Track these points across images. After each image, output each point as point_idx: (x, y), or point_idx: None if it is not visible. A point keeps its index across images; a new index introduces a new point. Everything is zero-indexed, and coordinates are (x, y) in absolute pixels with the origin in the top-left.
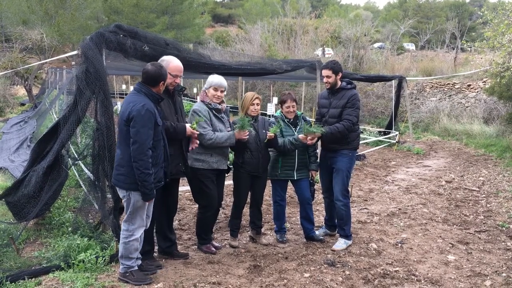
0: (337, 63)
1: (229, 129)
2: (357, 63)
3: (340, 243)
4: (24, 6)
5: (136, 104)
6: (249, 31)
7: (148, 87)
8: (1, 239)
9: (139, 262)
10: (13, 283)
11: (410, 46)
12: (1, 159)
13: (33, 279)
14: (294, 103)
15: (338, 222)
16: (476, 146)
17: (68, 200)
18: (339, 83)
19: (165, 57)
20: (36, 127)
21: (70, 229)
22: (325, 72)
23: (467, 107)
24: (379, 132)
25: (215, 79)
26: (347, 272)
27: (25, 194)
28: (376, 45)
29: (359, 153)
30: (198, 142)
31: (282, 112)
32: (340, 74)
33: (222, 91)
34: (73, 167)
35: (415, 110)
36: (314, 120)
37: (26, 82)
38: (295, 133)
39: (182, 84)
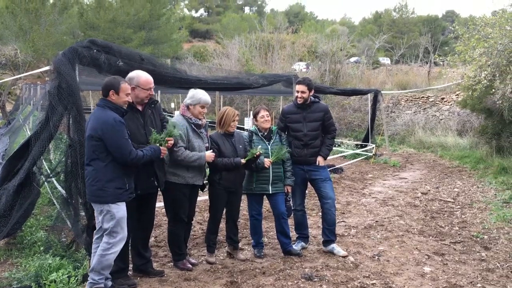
0: (311, 80)
1: (207, 144)
2: (334, 77)
3: (339, 248)
4: None
5: (107, 118)
6: (226, 46)
7: (108, 100)
8: None
9: (110, 283)
10: None
11: (386, 61)
12: None
13: None
14: (268, 113)
15: (330, 228)
16: (450, 158)
17: (41, 218)
18: (309, 98)
19: (133, 73)
20: (8, 144)
21: (42, 248)
22: (301, 88)
23: (441, 119)
24: (356, 145)
25: (204, 96)
26: (324, 286)
27: None
28: (352, 59)
29: (336, 167)
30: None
31: (256, 126)
32: (313, 91)
33: (206, 108)
34: (46, 184)
35: (391, 123)
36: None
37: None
38: (269, 146)
39: (158, 99)
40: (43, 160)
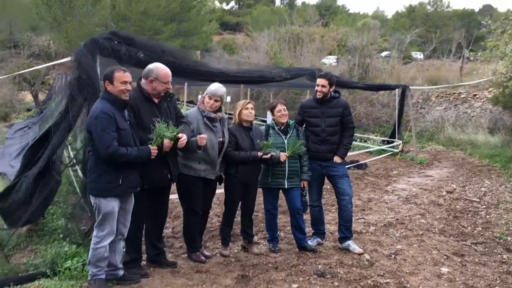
0: (333, 75)
1: (221, 139)
2: (363, 71)
3: (355, 245)
4: (34, 13)
5: (95, 109)
6: (255, 39)
7: (107, 91)
8: None
9: (121, 272)
10: None
11: (419, 55)
12: (2, 164)
13: (18, 286)
14: (285, 107)
15: (346, 225)
16: (480, 156)
17: (64, 206)
18: (329, 94)
19: (152, 65)
20: (38, 132)
21: (61, 235)
22: (322, 82)
23: (472, 116)
24: (383, 141)
25: (212, 87)
26: (336, 284)
27: (15, 200)
28: (384, 54)
29: (360, 162)
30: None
31: (273, 120)
32: (333, 87)
33: (216, 100)
34: (71, 172)
35: (420, 119)
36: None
37: (33, 88)
38: (285, 141)
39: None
40: (70, 149)
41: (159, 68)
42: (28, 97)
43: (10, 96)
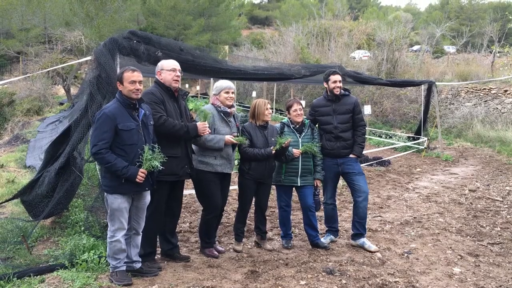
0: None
1: (235, 133)
2: (391, 66)
3: (370, 243)
4: (67, 9)
5: (101, 109)
6: (283, 33)
7: (119, 92)
8: (16, 236)
9: (138, 265)
10: (19, 280)
11: (451, 49)
12: (32, 157)
13: (38, 276)
14: (301, 106)
15: (361, 221)
16: (509, 153)
17: (89, 199)
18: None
19: (159, 62)
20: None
21: (83, 228)
22: (339, 77)
23: (503, 113)
24: (408, 137)
25: (224, 83)
26: (344, 281)
27: (38, 193)
28: (415, 48)
29: (383, 159)
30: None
31: (289, 118)
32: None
33: (232, 92)
34: (97, 166)
35: (449, 115)
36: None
37: (65, 82)
38: (299, 139)
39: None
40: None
41: (163, 60)
42: (61, 91)
43: (44, 90)
